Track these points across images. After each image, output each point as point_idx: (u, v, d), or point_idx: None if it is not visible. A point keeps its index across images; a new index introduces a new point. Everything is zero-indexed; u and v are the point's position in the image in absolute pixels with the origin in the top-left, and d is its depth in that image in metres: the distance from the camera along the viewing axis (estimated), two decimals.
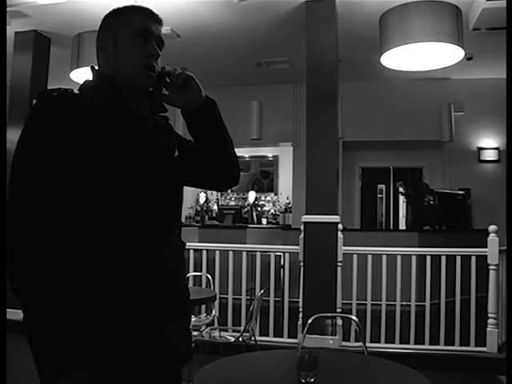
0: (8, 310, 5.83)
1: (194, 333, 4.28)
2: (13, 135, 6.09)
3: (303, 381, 1.83)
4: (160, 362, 1.38)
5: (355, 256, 5.06)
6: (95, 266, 1.30)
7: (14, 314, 5.93)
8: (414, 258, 4.96)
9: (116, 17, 1.49)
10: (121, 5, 1.53)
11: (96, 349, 1.26)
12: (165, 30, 5.93)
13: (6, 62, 3.59)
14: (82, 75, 5.04)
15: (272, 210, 10.33)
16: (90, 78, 1.50)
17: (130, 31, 1.44)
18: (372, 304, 4.99)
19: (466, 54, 4.95)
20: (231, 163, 1.64)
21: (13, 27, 6.16)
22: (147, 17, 1.48)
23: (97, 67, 1.50)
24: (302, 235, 5.09)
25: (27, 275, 1.23)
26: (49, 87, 6.55)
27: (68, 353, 1.21)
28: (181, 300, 1.50)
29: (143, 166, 1.41)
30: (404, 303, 5.09)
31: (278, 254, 5.67)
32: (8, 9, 5.69)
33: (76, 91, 1.43)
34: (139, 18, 1.47)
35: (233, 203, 10.67)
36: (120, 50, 1.44)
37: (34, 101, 1.37)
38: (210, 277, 4.90)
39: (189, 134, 1.59)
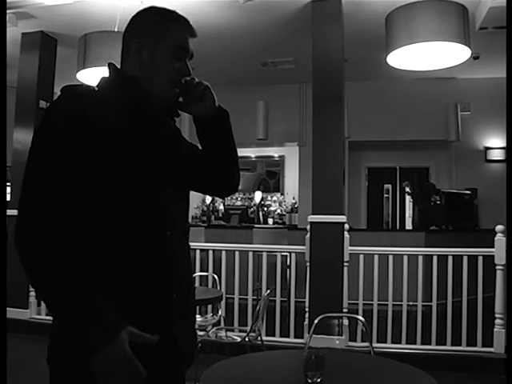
0: (11, 309, 5.82)
1: (201, 333, 4.29)
2: (20, 135, 6.11)
3: (310, 381, 1.82)
4: (170, 364, 1.39)
5: (361, 256, 5.05)
6: (110, 267, 1.31)
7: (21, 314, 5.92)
8: (420, 258, 4.95)
9: (156, 22, 1.47)
10: (161, 5, 1.51)
11: None
12: None
13: (5, 62, 3.59)
14: (88, 76, 5.05)
15: (278, 210, 10.32)
16: (107, 74, 1.49)
17: (171, 46, 1.45)
18: (378, 304, 4.98)
19: (472, 54, 4.93)
20: (234, 172, 1.67)
21: (20, 28, 6.18)
22: (187, 32, 1.49)
23: (118, 66, 1.50)
24: (308, 235, 5.09)
25: (44, 279, 1.22)
26: (56, 88, 6.59)
27: (104, 325, 1.19)
28: (190, 302, 1.51)
29: (159, 168, 1.42)
30: (410, 303, 5.07)
31: (285, 254, 5.67)
32: (15, 10, 5.72)
33: (96, 88, 1.43)
34: (181, 34, 1.47)
35: (239, 203, 10.67)
36: (156, 62, 1.44)
37: (44, 104, 1.36)
38: (216, 277, 4.91)
39: (196, 138, 1.61)
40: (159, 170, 1.41)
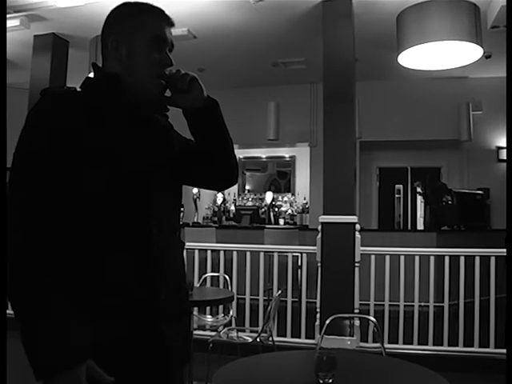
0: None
1: (212, 333, 4.29)
2: None
3: (321, 381, 1.82)
4: (160, 364, 1.37)
5: (373, 256, 5.03)
6: (96, 266, 1.29)
7: None
8: (432, 259, 4.92)
9: (129, 17, 1.45)
10: (134, 1, 1.49)
11: (96, 349, 1.23)
12: (181, 31, 5.99)
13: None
14: None
15: (289, 211, 10.31)
16: (92, 75, 1.48)
17: (147, 37, 1.42)
18: (390, 305, 4.96)
19: (484, 52, 4.92)
20: (230, 163, 1.63)
21: (32, 30, 6.23)
22: (162, 21, 1.46)
23: (100, 64, 1.48)
24: (319, 235, 5.08)
25: (25, 275, 1.20)
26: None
27: (64, 352, 1.17)
28: (181, 301, 1.49)
29: (146, 166, 1.40)
30: (422, 304, 5.05)
31: (296, 254, 5.66)
32: (27, 12, 5.77)
33: (78, 89, 1.41)
34: (155, 23, 1.45)
35: (250, 204, 10.67)
36: (135, 56, 1.42)
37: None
38: (227, 277, 4.91)
39: (189, 133, 1.58)
40: (145, 168, 1.39)
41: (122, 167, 1.34)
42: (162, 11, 1.48)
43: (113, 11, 1.48)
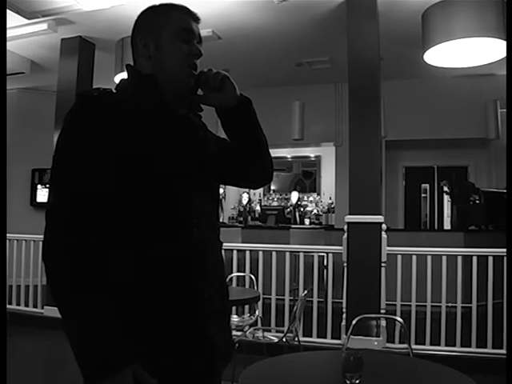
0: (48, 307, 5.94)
1: (238, 333, 4.30)
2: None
3: (348, 382, 1.81)
4: (205, 364, 1.37)
5: (399, 256, 5.00)
6: (142, 266, 1.30)
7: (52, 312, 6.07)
8: (459, 259, 4.87)
9: (155, 15, 1.48)
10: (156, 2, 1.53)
11: (142, 349, 1.26)
12: (206, 32, 6.02)
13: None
14: None
15: (315, 211, 10.29)
16: (126, 76, 1.50)
17: (173, 30, 1.44)
18: (417, 305, 4.92)
19: None
20: (265, 160, 1.63)
21: (59, 34, 6.33)
22: (187, 15, 1.49)
23: (133, 64, 1.50)
24: (345, 235, 5.06)
25: (79, 276, 1.21)
26: None
27: (114, 353, 1.19)
28: (223, 299, 1.51)
29: (185, 166, 1.41)
30: (450, 305, 5.00)
31: (322, 254, 5.65)
32: (55, 17, 5.86)
33: (114, 90, 1.43)
34: (180, 17, 1.47)
35: (275, 204, 10.68)
36: (163, 49, 1.44)
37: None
38: (253, 277, 4.92)
39: (223, 132, 1.59)
40: (185, 168, 1.41)
41: (163, 168, 1.35)
42: (186, 7, 1.51)
43: (140, 15, 1.52)
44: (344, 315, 5.00)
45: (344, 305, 5.04)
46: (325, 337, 5.13)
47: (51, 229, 1.26)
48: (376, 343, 4.80)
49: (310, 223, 10.02)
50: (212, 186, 1.54)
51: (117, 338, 1.21)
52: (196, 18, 1.50)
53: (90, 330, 1.19)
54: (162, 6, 1.50)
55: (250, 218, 10.41)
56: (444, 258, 4.87)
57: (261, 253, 5.47)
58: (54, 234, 1.25)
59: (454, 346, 4.74)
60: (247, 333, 4.07)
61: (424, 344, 4.78)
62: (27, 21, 5.88)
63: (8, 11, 5.41)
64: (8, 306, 6.07)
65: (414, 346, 4.45)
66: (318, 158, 10.58)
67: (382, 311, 4.88)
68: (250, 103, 1.55)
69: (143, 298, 1.29)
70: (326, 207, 10.13)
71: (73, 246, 1.22)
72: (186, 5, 1.51)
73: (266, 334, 4.22)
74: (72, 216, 1.24)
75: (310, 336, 5.12)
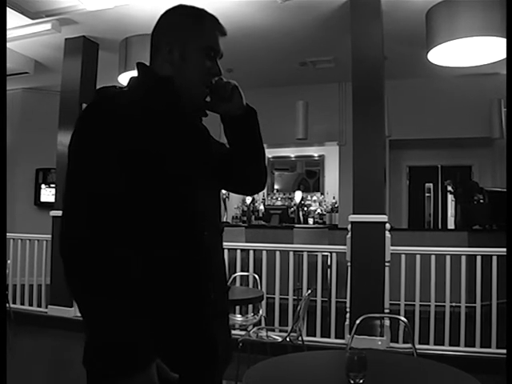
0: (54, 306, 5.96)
1: (242, 332, 4.30)
2: (64, 138, 6.26)
3: (352, 382, 1.81)
4: (208, 364, 1.39)
5: (403, 256, 4.99)
6: (152, 267, 1.31)
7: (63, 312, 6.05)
8: (463, 259, 4.86)
9: (186, 20, 1.47)
10: (190, 4, 1.51)
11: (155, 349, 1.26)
12: None
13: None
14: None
15: (318, 210, 10.29)
16: (136, 74, 1.49)
17: (202, 46, 1.45)
18: (421, 305, 4.91)
19: None
20: (261, 171, 1.66)
21: (63, 34, 6.34)
22: (217, 31, 1.50)
23: (147, 64, 1.50)
24: (349, 235, 5.06)
25: (95, 273, 1.21)
26: None
27: (142, 350, 1.20)
28: (225, 300, 1.54)
29: (194, 168, 1.43)
30: (453, 304, 4.98)
31: (325, 253, 5.65)
32: (58, 17, 5.87)
33: (126, 89, 1.44)
34: (211, 33, 1.48)
35: (279, 203, 10.68)
36: (188, 61, 1.44)
37: (83, 105, 1.37)
38: (257, 277, 4.92)
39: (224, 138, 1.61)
40: (193, 169, 1.42)
41: (173, 169, 1.36)
42: (217, 20, 1.51)
43: (167, 12, 1.51)
44: (348, 315, 5.00)
45: (348, 304, 5.03)
46: (328, 336, 5.13)
47: (70, 228, 1.24)
48: (380, 343, 4.80)
49: (314, 223, 10.02)
50: (215, 189, 1.57)
51: (141, 335, 1.22)
52: (224, 33, 1.52)
53: (115, 328, 1.20)
54: (192, 10, 1.50)
55: (253, 217, 10.41)
56: (448, 257, 4.87)
57: (264, 252, 5.46)
58: (74, 234, 1.23)
59: (458, 345, 4.73)
60: (251, 332, 4.07)
61: (428, 344, 4.78)
62: (31, 21, 5.89)
63: (12, 11, 5.42)
64: (12, 306, 6.09)
65: (417, 346, 4.44)
66: (321, 157, 10.57)
67: (386, 311, 4.88)
68: (255, 114, 1.59)
69: (153, 297, 1.30)
70: (330, 207, 10.13)
71: (94, 246, 1.21)
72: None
73: (269, 333, 4.22)
74: (92, 216, 1.24)
75: (314, 336, 5.12)
